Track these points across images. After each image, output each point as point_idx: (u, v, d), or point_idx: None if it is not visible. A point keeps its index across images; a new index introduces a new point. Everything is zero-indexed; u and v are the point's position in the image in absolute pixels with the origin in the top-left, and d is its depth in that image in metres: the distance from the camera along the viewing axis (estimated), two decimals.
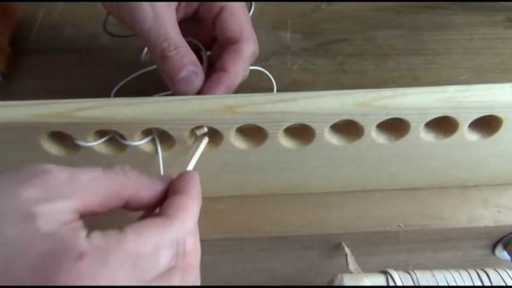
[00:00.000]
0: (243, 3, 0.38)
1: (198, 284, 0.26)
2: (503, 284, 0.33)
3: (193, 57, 0.35)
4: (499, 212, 0.37)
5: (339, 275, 0.34)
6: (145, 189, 0.26)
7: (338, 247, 0.38)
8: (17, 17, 0.48)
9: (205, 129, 0.31)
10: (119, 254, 0.22)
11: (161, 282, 0.24)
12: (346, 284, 0.33)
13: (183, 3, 0.38)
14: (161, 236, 0.24)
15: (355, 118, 0.31)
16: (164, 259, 0.24)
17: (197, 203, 0.27)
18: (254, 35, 0.38)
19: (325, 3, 0.51)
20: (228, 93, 0.36)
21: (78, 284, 0.21)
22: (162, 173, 0.33)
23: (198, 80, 0.35)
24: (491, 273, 0.34)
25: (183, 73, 0.34)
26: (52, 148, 0.32)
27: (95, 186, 0.24)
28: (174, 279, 0.24)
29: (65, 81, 0.44)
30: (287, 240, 0.37)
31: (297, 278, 0.43)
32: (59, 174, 0.24)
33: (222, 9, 0.37)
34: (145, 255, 0.23)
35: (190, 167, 0.31)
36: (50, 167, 0.24)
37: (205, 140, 0.32)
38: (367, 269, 0.36)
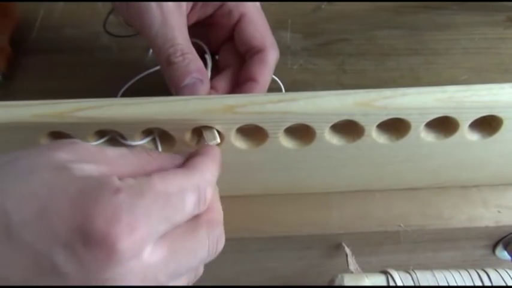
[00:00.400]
0: (260, 9, 0.38)
1: (223, 240, 0.28)
2: (504, 284, 0.33)
3: (200, 64, 0.35)
4: (499, 212, 0.37)
5: (339, 275, 0.34)
6: (168, 163, 0.27)
7: (338, 247, 0.38)
8: (17, 17, 0.48)
9: (217, 137, 0.31)
10: (151, 191, 0.23)
11: (189, 228, 0.25)
12: (346, 284, 0.33)
13: (198, 7, 0.37)
14: (184, 181, 0.25)
15: (356, 118, 0.31)
16: (190, 202, 0.25)
17: (215, 162, 0.28)
18: (274, 41, 0.38)
19: (325, 3, 0.51)
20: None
21: (116, 216, 0.22)
22: None
23: (203, 88, 0.35)
24: (492, 273, 0.34)
25: (188, 80, 0.34)
26: None
27: (122, 160, 0.26)
28: (200, 228, 0.26)
29: (65, 81, 0.44)
30: (287, 240, 0.37)
31: (297, 278, 0.43)
32: (88, 146, 0.25)
33: (241, 17, 0.37)
34: (173, 194, 0.24)
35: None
36: (78, 140, 0.26)
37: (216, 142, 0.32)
38: (367, 269, 0.36)
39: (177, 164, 0.28)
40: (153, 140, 0.33)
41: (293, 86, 0.43)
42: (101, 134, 0.32)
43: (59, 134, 0.31)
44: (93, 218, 0.21)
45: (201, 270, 0.28)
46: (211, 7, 0.38)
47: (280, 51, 0.42)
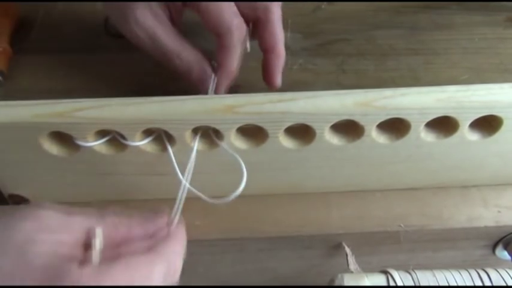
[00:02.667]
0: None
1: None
2: (504, 284, 0.33)
3: (198, 56, 0.37)
4: (499, 212, 0.37)
5: (339, 275, 0.34)
6: (137, 231, 0.28)
7: (338, 247, 0.38)
8: (17, 17, 0.48)
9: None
10: (112, 281, 0.24)
11: None
12: (346, 283, 0.33)
13: (174, 8, 0.38)
14: (150, 268, 0.26)
15: (355, 118, 0.31)
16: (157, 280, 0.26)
17: (182, 246, 0.29)
18: (233, 20, 0.37)
19: (325, 3, 0.51)
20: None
21: None
22: (176, 167, 0.33)
23: (208, 78, 0.37)
24: (492, 273, 0.34)
25: (195, 75, 0.37)
26: (52, 148, 0.32)
27: (86, 223, 0.26)
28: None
29: (65, 81, 0.44)
30: (287, 240, 0.37)
31: (297, 278, 0.43)
32: (54, 212, 0.26)
33: (198, 6, 0.37)
34: (136, 282, 0.25)
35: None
36: (47, 204, 0.26)
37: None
38: (367, 269, 0.36)
39: (147, 233, 0.28)
40: (154, 140, 0.33)
41: (293, 86, 0.43)
42: (101, 133, 0.32)
43: (59, 134, 0.31)
44: None
45: None
46: (179, 9, 0.39)
47: None
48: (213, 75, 0.38)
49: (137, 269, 0.25)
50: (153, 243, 0.27)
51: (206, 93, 0.38)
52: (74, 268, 0.23)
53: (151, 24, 0.37)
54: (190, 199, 0.37)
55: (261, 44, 0.39)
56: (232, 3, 0.38)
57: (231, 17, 0.37)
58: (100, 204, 0.37)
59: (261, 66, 0.40)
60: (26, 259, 0.23)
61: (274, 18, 0.38)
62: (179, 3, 0.38)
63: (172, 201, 0.37)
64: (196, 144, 0.33)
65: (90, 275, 0.23)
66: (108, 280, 0.24)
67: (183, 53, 0.37)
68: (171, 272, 0.27)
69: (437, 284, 0.33)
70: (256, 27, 0.39)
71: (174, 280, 0.27)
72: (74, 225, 0.26)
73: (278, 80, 0.39)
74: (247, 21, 0.39)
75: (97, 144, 0.32)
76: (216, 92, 0.38)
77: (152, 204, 0.36)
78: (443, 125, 0.33)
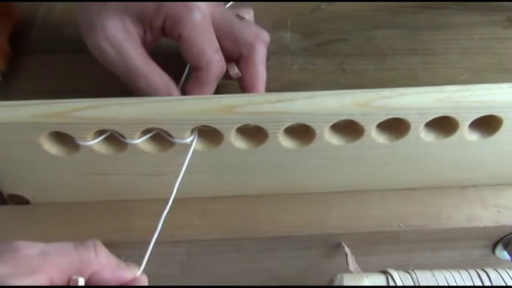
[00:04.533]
0: (204, 16, 0.36)
1: None
2: (504, 284, 0.33)
3: (164, 79, 0.36)
4: (498, 212, 0.37)
5: (339, 275, 0.34)
6: (109, 271, 0.28)
7: (338, 247, 0.38)
8: (17, 17, 0.48)
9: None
10: None
11: None
12: (346, 284, 0.33)
13: (147, 35, 0.37)
14: None
15: (355, 118, 0.31)
16: None
17: None
18: (214, 56, 0.36)
19: (324, 3, 0.51)
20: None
21: None
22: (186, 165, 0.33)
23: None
24: (492, 273, 0.34)
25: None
26: (52, 148, 0.32)
27: (62, 262, 0.26)
28: None
29: (65, 81, 0.44)
30: (286, 240, 0.37)
31: (296, 278, 0.43)
32: (29, 251, 0.26)
33: (180, 38, 0.36)
34: None
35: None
36: (21, 244, 0.26)
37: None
38: (367, 269, 0.36)
39: (117, 276, 0.28)
40: (152, 138, 0.33)
41: (292, 86, 0.43)
42: (100, 133, 0.32)
43: (59, 134, 0.31)
44: None
45: None
46: (156, 34, 0.37)
47: (280, 51, 0.42)
48: None
49: None
50: None
51: None
52: None
53: (121, 38, 0.35)
54: (190, 199, 0.37)
55: (241, 81, 0.39)
56: (215, 39, 0.37)
57: (213, 53, 0.36)
58: (101, 204, 0.37)
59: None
60: None
61: (257, 58, 0.38)
62: (157, 28, 0.37)
63: (172, 201, 0.37)
64: (194, 144, 0.33)
65: None
66: None
67: (150, 74, 0.36)
68: None
69: (436, 284, 0.33)
70: (238, 64, 0.39)
71: None
72: (49, 260, 0.26)
73: None
74: (231, 58, 0.38)
75: (96, 142, 0.32)
76: None
77: (152, 204, 0.36)
78: (443, 125, 0.33)
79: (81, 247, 0.27)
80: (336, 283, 0.33)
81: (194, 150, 0.33)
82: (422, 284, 0.33)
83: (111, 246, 0.30)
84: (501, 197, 0.38)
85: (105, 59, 0.36)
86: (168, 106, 0.30)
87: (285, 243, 0.37)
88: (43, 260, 0.26)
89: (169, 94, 0.36)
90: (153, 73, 0.36)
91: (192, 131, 0.32)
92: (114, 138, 0.32)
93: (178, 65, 0.40)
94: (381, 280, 0.33)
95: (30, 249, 0.26)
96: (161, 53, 0.38)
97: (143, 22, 0.36)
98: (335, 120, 0.31)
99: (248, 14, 0.42)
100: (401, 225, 0.36)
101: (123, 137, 0.31)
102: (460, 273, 0.34)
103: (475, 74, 0.44)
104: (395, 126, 0.33)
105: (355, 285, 0.33)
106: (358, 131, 0.32)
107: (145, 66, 0.36)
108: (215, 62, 0.36)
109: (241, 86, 0.39)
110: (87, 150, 0.32)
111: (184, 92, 0.38)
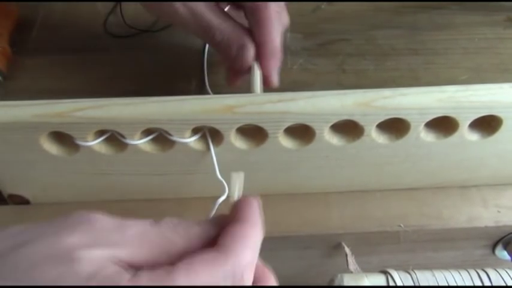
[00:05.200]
0: None
1: None
2: (503, 284, 0.33)
3: (239, 31, 0.36)
4: (498, 212, 0.37)
5: (339, 275, 0.34)
6: (197, 241, 0.24)
7: (338, 247, 0.38)
8: (17, 17, 0.48)
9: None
10: None
11: None
12: (346, 284, 0.33)
13: None
14: (215, 271, 0.22)
15: (355, 118, 0.31)
16: None
17: (256, 231, 0.24)
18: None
19: (325, 3, 0.51)
20: (278, 61, 0.37)
21: None
22: (216, 166, 0.33)
23: (248, 52, 0.36)
24: (492, 273, 0.34)
25: (235, 52, 0.36)
26: (52, 148, 0.32)
27: (141, 241, 0.23)
28: None
29: (65, 81, 0.44)
30: (287, 240, 0.37)
31: (297, 278, 0.43)
32: (106, 223, 0.23)
33: None
34: None
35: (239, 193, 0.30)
36: (99, 215, 0.23)
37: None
38: (367, 269, 0.36)
39: (208, 238, 0.24)
40: (154, 140, 0.33)
41: (293, 86, 0.43)
42: (100, 134, 0.32)
43: (59, 134, 0.31)
44: None
45: None
46: None
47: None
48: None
49: (199, 273, 0.21)
50: (221, 235, 0.24)
51: (248, 72, 0.36)
52: (126, 279, 0.21)
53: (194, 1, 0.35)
54: (190, 199, 0.37)
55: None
56: None
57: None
58: (101, 204, 0.37)
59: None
60: (72, 270, 0.21)
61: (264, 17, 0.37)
62: None
63: (172, 201, 0.37)
64: (193, 143, 0.33)
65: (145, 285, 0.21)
66: None
67: (223, 25, 0.36)
68: (237, 282, 0.23)
69: (437, 284, 0.33)
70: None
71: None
72: (127, 235, 0.23)
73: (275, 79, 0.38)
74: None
75: (96, 143, 0.32)
76: (266, 76, 0.37)
77: (153, 204, 0.36)
78: (443, 125, 0.33)
79: (159, 225, 0.24)
80: (336, 283, 0.33)
81: (194, 150, 0.33)
82: (422, 284, 0.33)
83: None
84: (502, 197, 0.38)
85: (179, 20, 0.36)
86: (170, 106, 0.30)
87: (286, 243, 0.37)
88: (121, 233, 0.23)
89: (242, 44, 0.36)
90: (227, 23, 0.36)
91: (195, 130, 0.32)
92: (114, 139, 0.32)
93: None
94: (381, 280, 0.33)
95: (109, 221, 0.23)
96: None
97: None
98: (336, 120, 0.31)
99: None
100: (402, 225, 0.36)
101: (123, 137, 0.31)
102: (460, 273, 0.34)
103: (475, 74, 0.44)
104: (395, 126, 0.33)
105: (355, 285, 0.33)
106: (358, 131, 0.32)
107: (218, 19, 0.36)
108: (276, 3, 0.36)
109: (258, 40, 0.37)
110: (87, 150, 0.32)
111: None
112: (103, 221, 0.23)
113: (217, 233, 0.24)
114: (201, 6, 0.36)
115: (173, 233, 0.24)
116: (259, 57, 0.36)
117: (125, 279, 0.21)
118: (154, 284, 0.21)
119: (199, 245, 0.24)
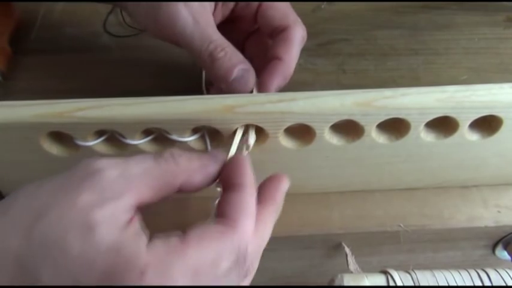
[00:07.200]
0: None
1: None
2: (504, 284, 0.33)
3: (240, 55, 0.35)
4: (499, 212, 0.37)
5: (339, 275, 0.34)
6: (197, 174, 0.26)
7: (338, 247, 0.38)
8: (17, 17, 0.48)
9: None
10: (181, 265, 0.23)
11: (218, 283, 0.24)
12: (346, 284, 0.33)
13: (219, 6, 0.37)
14: (222, 246, 0.24)
15: (355, 118, 0.31)
16: (224, 266, 0.24)
17: (254, 199, 0.27)
18: (299, 20, 0.37)
19: (325, 3, 0.51)
20: (285, 82, 0.36)
21: None
22: None
23: (252, 77, 0.35)
24: (492, 273, 0.34)
25: (236, 73, 0.34)
26: (52, 148, 0.32)
27: (147, 179, 0.25)
28: (231, 282, 0.25)
29: (65, 81, 0.44)
30: (287, 240, 0.37)
31: (297, 278, 0.43)
32: (110, 172, 0.24)
33: (259, 4, 0.37)
34: (206, 264, 0.23)
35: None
36: (101, 164, 0.24)
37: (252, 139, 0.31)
38: (367, 269, 0.36)
39: (208, 174, 0.27)
40: (155, 140, 0.33)
41: (293, 86, 0.43)
42: (100, 134, 0.32)
43: (59, 134, 0.31)
44: None
45: None
46: (231, 4, 0.38)
47: None
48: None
49: (208, 246, 0.23)
50: (223, 204, 0.26)
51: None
52: (141, 258, 0.22)
53: (198, 8, 0.34)
54: (190, 199, 0.37)
55: (271, 53, 0.37)
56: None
57: (296, 15, 0.37)
58: None
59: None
60: (93, 241, 0.22)
61: (293, 37, 0.36)
62: (231, 4, 0.37)
63: (172, 201, 0.37)
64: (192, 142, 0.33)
65: (160, 262, 0.22)
66: (178, 263, 0.22)
67: (228, 46, 0.34)
68: (241, 257, 0.25)
69: (437, 284, 0.33)
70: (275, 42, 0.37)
71: (243, 269, 0.25)
72: (132, 174, 0.24)
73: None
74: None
75: (96, 143, 0.32)
76: (264, 90, 0.35)
77: (152, 204, 0.36)
78: (443, 125, 0.33)
79: (160, 159, 0.25)
80: (337, 283, 0.34)
81: (194, 150, 0.33)
82: (422, 284, 0.33)
83: None
84: (502, 197, 0.38)
85: (182, 30, 0.34)
86: (170, 106, 0.30)
87: (286, 243, 0.37)
88: (126, 181, 0.24)
89: (245, 70, 0.34)
90: (229, 46, 0.34)
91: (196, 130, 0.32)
92: (114, 139, 0.32)
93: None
94: (381, 280, 0.33)
95: (111, 169, 0.24)
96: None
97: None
98: (336, 120, 0.31)
99: None
100: (402, 225, 0.36)
101: (124, 137, 0.31)
102: (460, 273, 0.34)
103: (476, 74, 0.44)
104: (395, 126, 0.33)
105: (355, 285, 0.33)
106: (358, 131, 0.32)
107: (221, 38, 0.35)
108: (300, 22, 0.36)
109: (268, 59, 0.36)
110: (87, 150, 0.32)
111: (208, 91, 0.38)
112: (106, 171, 0.24)
113: (216, 169, 0.27)
114: (203, 19, 0.35)
115: (175, 167, 0.25)
116: (270, 75, 0.35)
117: (143, 249, 0.22)
118: (166, 263, 0.22)
119: (199, 178, 0.26)
